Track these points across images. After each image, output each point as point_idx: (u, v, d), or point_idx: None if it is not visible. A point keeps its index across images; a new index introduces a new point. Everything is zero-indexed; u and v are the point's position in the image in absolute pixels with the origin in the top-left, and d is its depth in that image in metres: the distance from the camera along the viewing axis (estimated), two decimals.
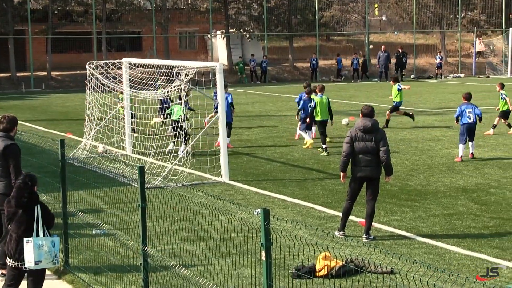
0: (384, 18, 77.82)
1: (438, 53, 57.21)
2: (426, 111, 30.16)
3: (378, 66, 53.68)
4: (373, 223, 12.30)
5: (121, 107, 21.71)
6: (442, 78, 55.61)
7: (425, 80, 54.23)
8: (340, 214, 12.60)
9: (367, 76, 54.20)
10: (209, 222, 12.39)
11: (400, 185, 16.16)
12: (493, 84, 48.00)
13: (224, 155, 17.24)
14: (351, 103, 30.38)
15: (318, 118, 20.92)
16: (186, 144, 19.12)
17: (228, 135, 21.29)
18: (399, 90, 25.71)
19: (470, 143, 19.34)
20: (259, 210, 9.26)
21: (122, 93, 21.35)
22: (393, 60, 53.79)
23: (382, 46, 54.36)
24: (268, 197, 15.41)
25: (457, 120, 19.41)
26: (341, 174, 12.39)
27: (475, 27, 60.93)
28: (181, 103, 20.05)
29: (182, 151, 18.52)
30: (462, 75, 57.69)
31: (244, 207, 10.36)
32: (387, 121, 25.62)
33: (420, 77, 56.22)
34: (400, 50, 53.83)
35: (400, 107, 26.19)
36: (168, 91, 18.88)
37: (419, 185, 16.28)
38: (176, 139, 20.06)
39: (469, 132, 19.17)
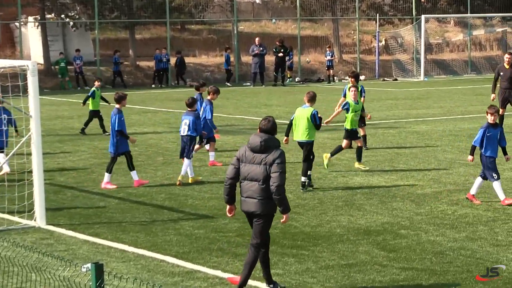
0: (258, 0, 79.11)
1: (328, 49, 57.37)
2: None
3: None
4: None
5: None
6: (336, 81, 56.72)
7: (314, 84, 55.32)
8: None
9: (183, 79, 54.49)
10: (18, 284, 12.15)
11: (281, 226, 16.34)
12: (403, 90, 49.56)
13: (40, 190, 16.97)
14: (216, 116, 30.55)
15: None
16: None
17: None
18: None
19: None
20: (88, 265, 9.15)
21: None
22: (271, 58, 54.41)
23: (257, 39, 54.90)
24: (102, 246, 15.28)
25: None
26: (227, 206, 12.36)
27: (377, 14, 62.67)
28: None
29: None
30: (363, 77, 58.52)
31: (68, 262, 10.23)
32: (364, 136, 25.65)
33: (308, 80, 57.29)
34: (279, 44, 54.20)
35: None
36: None
37: (307, 226, 16.54)
38: None
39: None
